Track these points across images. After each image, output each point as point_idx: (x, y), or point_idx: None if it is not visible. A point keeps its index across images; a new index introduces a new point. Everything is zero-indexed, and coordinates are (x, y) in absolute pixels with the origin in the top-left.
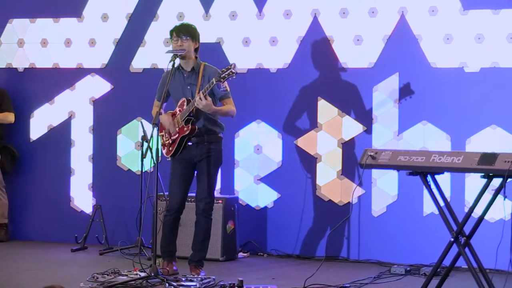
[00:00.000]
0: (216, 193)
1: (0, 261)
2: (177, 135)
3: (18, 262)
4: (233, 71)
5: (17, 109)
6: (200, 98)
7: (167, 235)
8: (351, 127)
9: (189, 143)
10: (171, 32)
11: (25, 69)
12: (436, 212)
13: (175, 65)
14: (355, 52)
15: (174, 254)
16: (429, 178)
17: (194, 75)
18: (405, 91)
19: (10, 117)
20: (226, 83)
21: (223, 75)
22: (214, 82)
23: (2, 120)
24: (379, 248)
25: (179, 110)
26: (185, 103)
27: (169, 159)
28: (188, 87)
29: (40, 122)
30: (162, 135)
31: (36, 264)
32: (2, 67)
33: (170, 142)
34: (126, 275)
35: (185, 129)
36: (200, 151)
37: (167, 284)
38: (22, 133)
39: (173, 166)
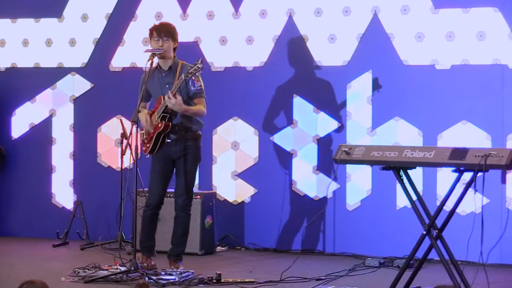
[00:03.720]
0: (195, 189)
1: None
2: (153, 131)
3: (1, 257)
4: (199, 66)
5: None
6: (168, 97)
7: (146, 230)
8: (326, 124)
9: (168, 140)
10: (151, 31)
11: (7, 68)
12: (409, 206)
13: (154, 65)
14: (329, 51)
15: (153, 249)
16: (401, 172)
17: (171, 74)
18: (378, 88)
19: None
20: (201, 82)
21: (191, 70)
22: (183, 78)
23: None
24: (354, 241)
25: (156, 108)
26: (162, 101)
27: (148, 156)
28: (167, 86)
29: (22, 120)
30: (143, 133)
31: (19, 259)
32: None
33: (148, 139)
34: (107, 270)
35: (160, 125)
36: (178, 148)
37: (146, 278)
38: (4, 131)
39: (153, 163)
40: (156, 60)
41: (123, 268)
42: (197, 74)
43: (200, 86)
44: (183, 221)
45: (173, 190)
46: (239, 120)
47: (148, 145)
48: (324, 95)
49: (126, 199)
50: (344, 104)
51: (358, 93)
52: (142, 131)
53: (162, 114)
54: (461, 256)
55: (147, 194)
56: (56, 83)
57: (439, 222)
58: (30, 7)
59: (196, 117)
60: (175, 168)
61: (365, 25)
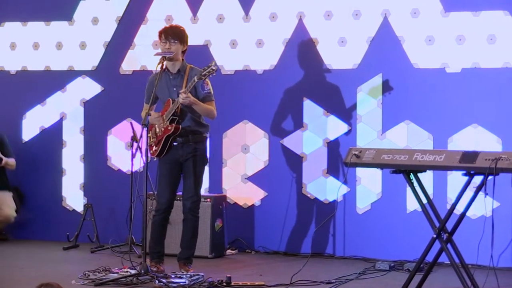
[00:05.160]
0: (205, 192)
1: None
2: (161, 134)
3: (11, 260)
4: (213, 68)
5: (9, 111)
6: (184, 92)
7: (156, 236)
8: (336, 127)
9: (175, 143)
10: (160, 33)
11: (17, 71)
12: (419, 209)
13: (163, 67)
14: (339, 54)
15: (162, 255)
16: (412, 176)
17: (179, 77)
18: (388, 92)
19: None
20: (210, 86)
21: (204, 72)
22: (196, 80)
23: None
24: (364, 245)
25: (165, 111)
26: (170, 104)
27: (156, 159)
28: (174, 88)
29: (33, 123)
30: (150, 136)
31: (29, 262)
32: None
33: (156, 141)
34: (117, 273)
35: (169, 128)
36: (185, 151)
37: (157, 281)
38: (15, 134)
39: (160, 167)
40: (164, 62)
41: (133, 271)
42: (210, 76)
43: (209, 89)
44: (191, 224)
45: (180, 193)
46: (249, 123)
47: (156, 148)
48: (334, 98)
49: (136, 202)
50: (354, 107)
51: (368, 96)
52: (149, 134)
53: (172, 117)
54: (472, 260)
55: (156, 199)
56: (66, 86)
57: (449, 225)
58: (40, 10)
59: (204, 118)
60: (182, 171)
61: (375, 28)
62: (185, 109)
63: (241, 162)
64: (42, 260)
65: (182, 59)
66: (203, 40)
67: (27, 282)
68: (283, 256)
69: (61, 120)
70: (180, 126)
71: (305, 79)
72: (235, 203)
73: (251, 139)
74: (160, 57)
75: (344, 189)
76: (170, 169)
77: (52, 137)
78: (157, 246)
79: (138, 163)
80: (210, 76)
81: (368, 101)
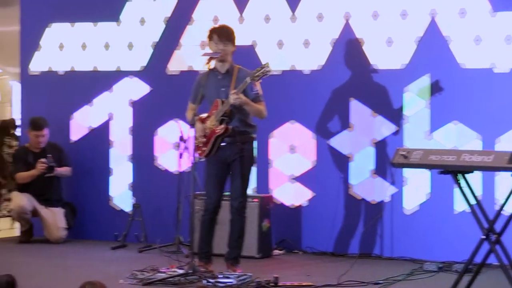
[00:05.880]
0: (252, 192)
1: (43, 259)
2: (211, 134)
3: (60, 259)
4: (267, 69)
5: (57, 111)
6: (234, 93)
7: (204, 237)
8: (383, 127)
9: (223, 144)
10: (211, 33)
11: (65, 72)
12: (467, 210)
13: (211, 67)
14: (386, 54)
15: (210, 256)
16: (460, 177)
17: (228, 77)
18: (436, 92)
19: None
20: (259, 86)
21: (257, 73)
22: (248, 81)
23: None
24: (412, 246)
25: (213, 111)
26: (219, 104)
27: (203, 159)
28: (223, 89)
29: (80, 124)
30: (197, 136)
31: (77, 262)
32: (43, 70)
33: (204, 141)
34: (165, 272)
35: (219, 129)
36: (233, 151)
37: (205, 281)
38: (63, 134)
39: (208, 167)
40: (212, 63)
41: (181, 271)
42: (264, 77)
43: (257, 90)
44: (239, 224)
45: (228, 193)
46: (296, 123)
47: (204, 148)
48: (381, 99)
49: (183, 202)
50: (401, 107)
51: (416, 97)
52: (197, 134)
53: (221, 117)
54: None
55: (204, 198)
56: (113, 86)
57: (498, 226)
58: (88, 11)
59: (255, 117)
60: (230, 171)
61: (423, 28)
62: (233, 109)
63: (288, 162)
64: (90, 260)
65: (231, 60)
66: (249, 40)
67: (75, 281)
68: (330, 256)
69: (108, 120)
70: (229, 126)
71: (352, 79)
72: (282, 204)
73: (298, 139)
74: (207, 57)
75: (392, 189)
76: (218, 169)
77: (99, 137)
78: (205, 246)
79: (185, 163)
80: (263, 77)
81: (415, 101)
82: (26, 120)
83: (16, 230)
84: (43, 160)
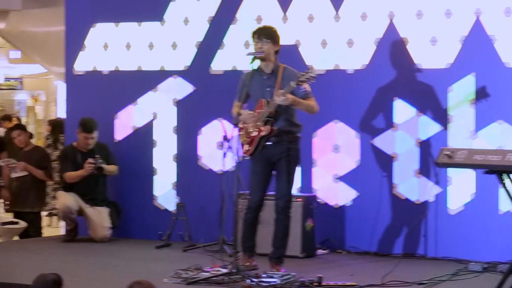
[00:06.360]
0: (296, 192)
1: (87, 258)
2: (256, 134)
3: (105, 258)
4: (312, 75)
5: (102, 111)
6: (282, 94)
7: (247, 233)
8: (428, 127)
9: (268, 143)
10: (253, 33)
11: (110, 71)
12: None
13: (255, 67)
14: (431, 53)
15: (253, 249)
16: (504, 176)
17: (273, 77)
18: (481, 91)
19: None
20: (306, 84)
21: (302, 78)
22: (293, 86)
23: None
24: (456, 246)
25: (258, 111)
26: (264, 104)
27: (248, 158)
28: (268, 88)
29: (125, 123)
30: (242, 134)
31: (122, 261)
32: (87, 70)
33: (249, 141)
34: (209, 272)
35: (264, 129)
36: (278, 150)
37: (248, 280)
38: (107, 133)
39: (253, 165)
40: (257, 63)
41: (224, 270)
42: (309, 83)
43: (305, 88)
44: (283, 223)
45: (273, 192)
46: (339, 123)
47: (249, 147)
48: (425, 98)
49: (227, 201)
50: (446, 107)
51: (461, 96)
52: (241, 132)
53: (266, 118)
54: None
55: (248, 197)
56: (157, 86)
57: None
58: (132, 11)
59: (308, 113)
60: (275, 171)
61: (468, 27)
62: (279, 110)
63: (332, 162)
64: (134, 259)
65: (275, 59)
66: (292, 40)
67: (120, 280)
68: (374, 256)
69: (152, 120)
70: (275, 128)
71: (396, 79)
72: (326, 203)
73: (342, 139)
74: (251, 56)
75: (436, 189)
76: (263, 168)
77: (143, 137)
78: (248, 241)
79: (229, 163)
80: (308, 82)
81: (460, 100)
82: (71, 119)
83: (61, 229)
84: (91, 160)
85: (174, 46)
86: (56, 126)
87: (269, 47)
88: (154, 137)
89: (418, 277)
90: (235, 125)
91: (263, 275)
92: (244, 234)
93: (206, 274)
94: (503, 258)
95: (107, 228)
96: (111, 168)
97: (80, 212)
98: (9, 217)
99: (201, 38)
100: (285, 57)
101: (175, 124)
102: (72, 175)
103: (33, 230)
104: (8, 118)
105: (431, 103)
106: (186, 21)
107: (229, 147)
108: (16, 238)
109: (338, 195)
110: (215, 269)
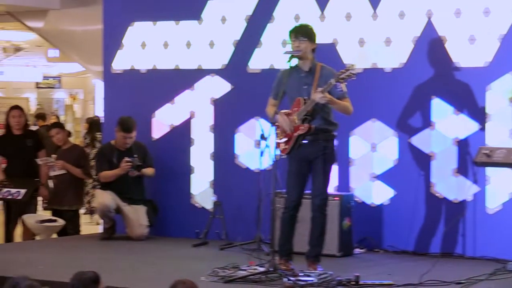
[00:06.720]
0: (333, 191)
1: (125, 256)
2: (293, 133)
3: (142, 256)
4: (352, 72)
5: (140, 109)
6: (321, 91)
7: (285, 233)
8: (466, 125)
9: (304, 141)
10: (290, 32)
11: (148, 70)
12: None
13: (293, 65)
14: (469, 52)
15: (290, 253)
16: None
17: (311, 75)
18: None
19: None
20: (343, 84)
21: (342, 75)
22: (333, 83)
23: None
24: (495, 245)
25: (295, 109)
26: (302, 103)
27: (285, 156)
28: (305, 87)
29: (162, 122)
30: (278, 133)
31: (159, 259)
32: (125, 69)
33: (286, 139)
34: (246, 270)
35: (301, 128)
36: (315, 149)
37: (286, 279)
38: (145, 132)
39: (289, 164)
40: (295, 61)
41: (261, 269)
42: (349, 80)
43: (341, 88)
44: (320, 222)
45: (309, 191)
46: (377, 121)
47: (286, 146)
48: (463, 97)
49: (264, 200)
50: (484, 105)
51: (499, 95)
52: (277, 131)
53: (304, 116)
54: None
55: (285, 196)
56: (195, 84)
57: None
58: (170, 10)
59: (342, 113)
60: (311, 169)
61: (507, 25)
62: (316, 108)
63: (369, 160)
64: (171, 257)
65: (313, 58)
66: (330, 38)
67: (158, 278)
68: (411, 255)
69: (190, 118)
70: (312, 125)
71: (434, 78)
72: (363, 202)
73: (379, 137)
74: (289, 55)
75: (474, 188)
76: (300, 167)
77: (181, 135)
78: (286, 244)
79: (266, 161)
80: (348, 80)
81: (498, 99)
82: (109, 118)
83: (99, 227)
84: (128, 159)
85: (211, 44)
86: (94, 124)
87: (306, 46)
88: (192, 136)
89: (456, 277)
90: (272, 122)
91: (300, 274)
92: (281, 236)
93: (243, 273)
94: None
95: (144, 226)
96: (147, 171)
97: (118, 210)
98: (48, 215)
99: (238, 37)
100: (322, 56)
101: (212, 122)
102: (107, 174)
103: (71, 228)
104: (42, 116)
105: (469, 101)
106: (223, 19)
107: (266, 146)
108: (54, 236)
109: (375, 194)
110: (251, 266)
